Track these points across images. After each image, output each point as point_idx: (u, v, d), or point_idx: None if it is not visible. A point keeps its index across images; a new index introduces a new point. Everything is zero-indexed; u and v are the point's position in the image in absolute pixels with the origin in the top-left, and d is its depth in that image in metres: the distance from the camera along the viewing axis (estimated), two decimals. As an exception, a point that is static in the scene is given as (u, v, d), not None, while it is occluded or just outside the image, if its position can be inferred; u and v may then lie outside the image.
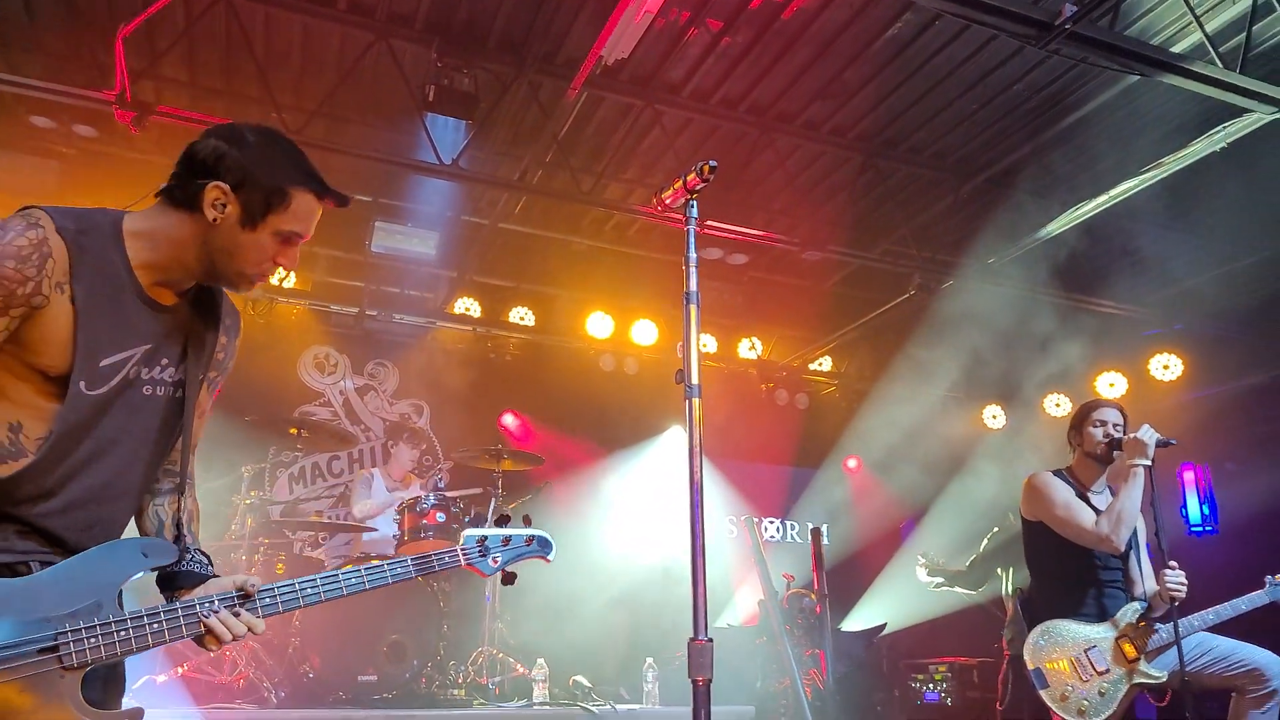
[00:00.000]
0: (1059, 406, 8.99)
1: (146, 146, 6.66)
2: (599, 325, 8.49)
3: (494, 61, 5.96)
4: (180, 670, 4.88)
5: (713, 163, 2.37)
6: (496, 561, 2.30)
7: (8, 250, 1.72)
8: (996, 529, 6.09)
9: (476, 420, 8.28)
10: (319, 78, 6.12)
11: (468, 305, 8.36)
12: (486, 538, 2.29)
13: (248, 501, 5.49)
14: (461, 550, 2.26)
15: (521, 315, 8.54)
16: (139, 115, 5.42)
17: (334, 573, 2.05)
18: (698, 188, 2.41)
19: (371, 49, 5.79)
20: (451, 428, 8.31)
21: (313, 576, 2.03)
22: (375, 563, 2.11)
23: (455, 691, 5.30)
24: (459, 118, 6.00)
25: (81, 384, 1.80)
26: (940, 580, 6.32)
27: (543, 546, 2.37)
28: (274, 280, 7.60)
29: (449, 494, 5.93)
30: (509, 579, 2.34)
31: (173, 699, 4.66)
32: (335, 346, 8.15)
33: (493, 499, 5.99)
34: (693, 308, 2.36)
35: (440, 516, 5.61)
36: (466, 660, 5.56)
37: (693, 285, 2.38)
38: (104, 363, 1.83)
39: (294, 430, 5.72)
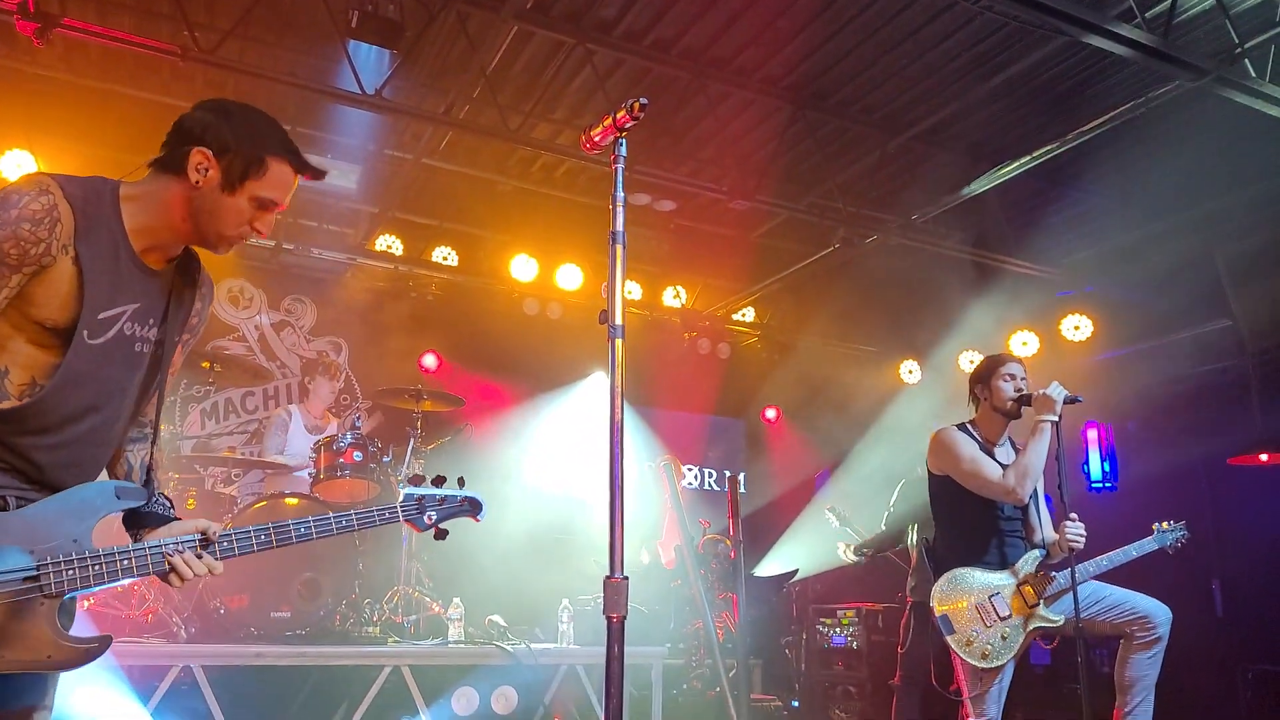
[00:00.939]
0: (973, 363, 9.21)
1: (51, 62, 6.30)
2: (523, 268, 8.39)
3: (421, -11, 5.76)
4: (86, 604, 4.75)
5: (643, 100, 2.33)
6: (431, 519, 2.49)
7: (24, 214, 1.94)
8: (904, 481, 6.23)
9: (396, 360, 8.15)
10: (235, -4, 5.84)
11: (389, 243, 8.17)
12: (424, 496, 2.50)
13: (155, 435, 5.31)
14: (401, 507, 2.46)
15: (444, 255, 8.38)
16: (42, 27, 5.10)
17: (284, 522, 2.25)
18: (627, 125, 2.37)
19: (292, -31, 5.55)
20: (370, 367, 8.18)
21: (265, 525, 2.23)
22: (323, 514, 2.30)
23: (370, 629, 5.28)
24: (383, 46, 5.79)
25: (85, 333, 2.02)
26: (865, 552, 6.41)
27: (474, 507, 2.57)
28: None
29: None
30: (441, 535, 2.52)
31: (78, 631, 4.54)
32: (250, 280, 7.91)
33: (411, 439, 5.93)
34: (619, 248, 2.33)
35: (357, 455, 5.54)
36: (382, 599, 5.54)
37: (619, 225, 2.35)
38: (101, 316, 2.04)
39: (206, 364, 5.55)
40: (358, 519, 2.35)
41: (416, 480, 2.53)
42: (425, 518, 2.49)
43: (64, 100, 6.56)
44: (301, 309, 8.13)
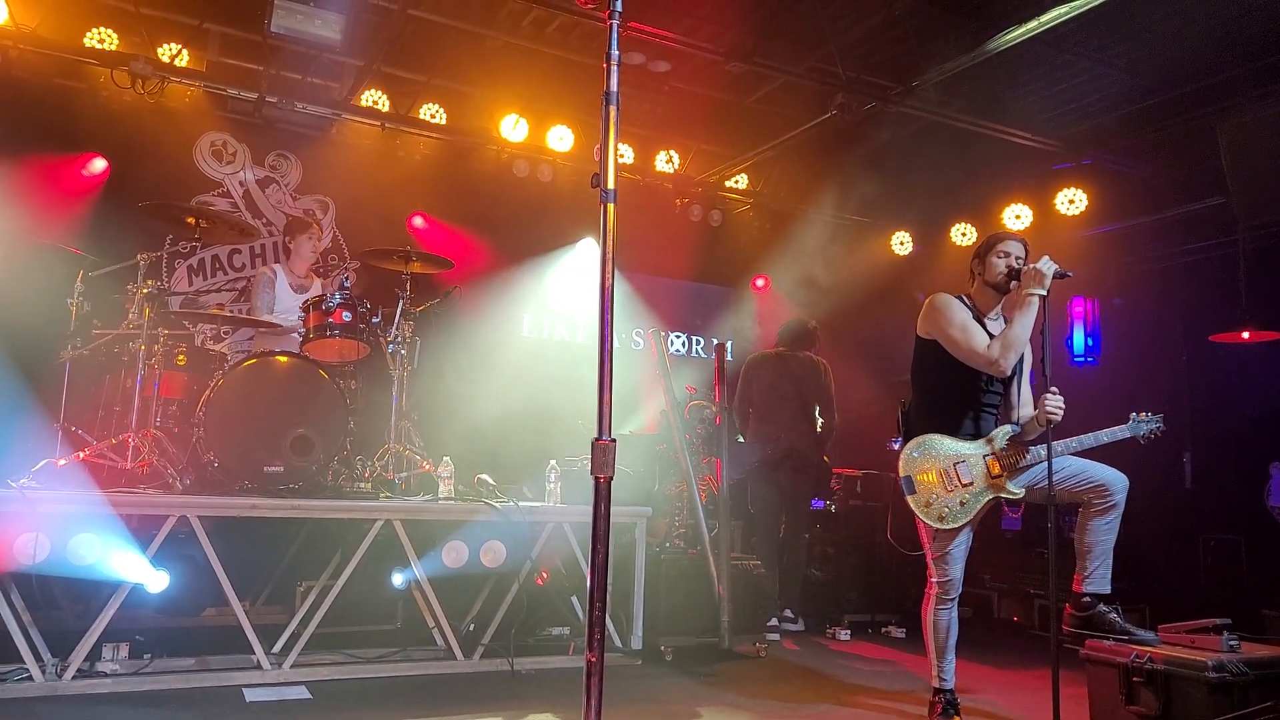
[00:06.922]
0: (965, 235, 9.18)
1: None
2: (513, 128, 8.20)
3: None
4: (81, 455, 4.83)
5: (640, -48, 2.24)
6: None
7: None
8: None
9: (384, 220, 8.05)
10: None
11: (375, 98, 7.94)
12: None
13: (145, 290, 5.27)
14: None
15: (432, 113, 8.17)
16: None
17: None
18: (624, -21, 2.29)
19: None
20: (358, 227, 8.08)
21: None
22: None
23: (362, 485, 5.40)
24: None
25: None
26: None
27: None
28: (165, 58, 7.09)
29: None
30: None
31: (73, 482, 4.63)
32: (233, 134, 7.72)
33: (400, 301, 5.91)
34: (612, 109, 2.29)
35: (346, 315, 5.54)
36: (373, 456, 5.64)
37: (613, 85, 2.30)
38: None
39: (191, 220, 5.46)
40: None
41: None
42: None
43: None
44: (287, 166, 7.97)
